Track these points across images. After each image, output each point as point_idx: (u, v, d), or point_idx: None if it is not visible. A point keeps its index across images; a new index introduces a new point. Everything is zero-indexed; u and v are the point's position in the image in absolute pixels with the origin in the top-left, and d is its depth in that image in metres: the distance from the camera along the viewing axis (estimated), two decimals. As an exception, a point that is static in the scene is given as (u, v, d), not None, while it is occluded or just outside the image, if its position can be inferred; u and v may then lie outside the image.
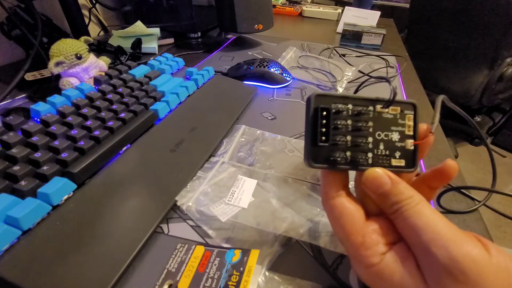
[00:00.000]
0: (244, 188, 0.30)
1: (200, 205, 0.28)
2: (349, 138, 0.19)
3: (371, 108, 0.20)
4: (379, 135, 0.20)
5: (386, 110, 0.20)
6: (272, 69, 0.51)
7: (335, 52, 0.68)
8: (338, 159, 0.19)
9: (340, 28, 0.85)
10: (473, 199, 0.31)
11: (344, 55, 0.66)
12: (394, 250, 0.18)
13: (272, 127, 0.41)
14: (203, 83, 0.46)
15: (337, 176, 0.20)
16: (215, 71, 0.51)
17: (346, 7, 0.91)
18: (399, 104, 0.20)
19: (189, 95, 0.42)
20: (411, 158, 0.20)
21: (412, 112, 0.20)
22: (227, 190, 0.30)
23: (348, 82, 0.54)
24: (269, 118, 0.43)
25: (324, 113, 0.19)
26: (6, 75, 0.50)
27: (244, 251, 0.23)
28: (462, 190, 0.32)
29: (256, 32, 0.67)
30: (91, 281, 0.20)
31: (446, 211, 0.30)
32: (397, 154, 0.20)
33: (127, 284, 0.22)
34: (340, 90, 0.51)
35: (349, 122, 0.20)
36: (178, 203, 0.28)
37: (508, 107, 1.54)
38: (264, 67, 0.50)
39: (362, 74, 0.56)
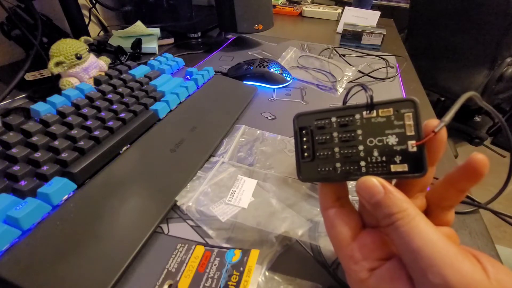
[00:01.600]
0: (244, 188, 0.30)
1: (200, 205, 0.28)
2: (336, 149, 0.19)
3: (357, 116, 0.19)
4: (371, 141, 0.19)
5: (373, 114, 0.19)
6: (272, 69, 0.51)
7: (335, 52, 0.68)
8: (325, 172, 0.20)
9: (340, 28, 0.85)
10: (473, 200, 0.31)
11: (344, 55, 0.66)
12: (385, 267, 0.17)
13: (272, 127, 0.41)
14: (203, 83, 0.46)
15: (331, 187, 0.20)
16: (215, 71, 0.51)
17: (346, 7, 0.91)
18: (391, 105, 0.18)
19: (189, 95, 0.42)
20: (417, 161, 0.18)
21: (412, 110, 0.18)
22: (227, 190, 0.30)
23: (348, 82, 0.54)
24: (269, 118, 0.43)
25: (304, 131, 0.20)
26: (6, 75, 0.50)
27: (244, 251, 0.23)
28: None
29: (256, 32, 0.67)
30: (91, 281, 0.20)
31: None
32: (397, 158, 0.18)
33: (127, 284, 0.22)
34: (340, 90, 0.51)
35: (335, 134, 0.20)
36: (178, 203, 0.28)
37: (508, 107, 1.54)
38: (264, 67, 0.50)
39: (362, 74, 0.56)
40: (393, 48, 0.76)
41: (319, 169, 0.20)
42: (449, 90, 1.33)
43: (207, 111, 0.40)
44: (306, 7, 1.06)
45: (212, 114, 0.40)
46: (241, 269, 0.22)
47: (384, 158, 0.18)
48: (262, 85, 0.51)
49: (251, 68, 0.50)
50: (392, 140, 0.18)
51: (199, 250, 0.24)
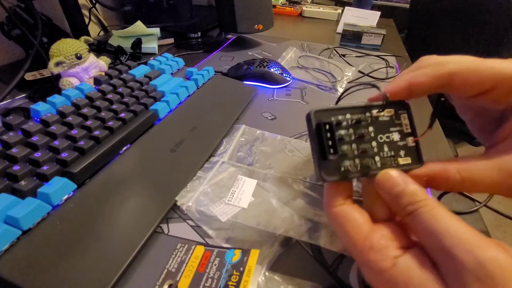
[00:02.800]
0: (244, 188, 0.30)
1: (200, 205, 0.28)
2: (354, 146, 0.20)
3: (368, 114, 0.20)
4: (381, 138, 0.20)
5: (382, 113, 0.20)
6: (272, 69, 0.51)
7: (335, 52, 0.68)
8: (350, 168, 0.20)
9: (340, 28, 0.85)
10: (473, 200, 0.31)
11: (344, 55, 0.66)
12: (410, 254, 0.16)
13: (272, 127, 0.41)
14: (203, 83, 0.46)
15: (340, 186, 0.20)
16: (215, 71, 0.51)
17: (346, 7, 0.91)
18: (392, 106, 0.21)
19: (189, 95, 0.42)
20: (416, 154, 0.20)
21: (405, 111, 0.21)
22: (227, 190, 0.30)
23: (348, 82, 0.54)
24: (269, 118, 0.43)
25: (327, 126, 0.20)
26: (6, 75, 0.50)
27: (244, 251, 0.23)
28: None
29: (256, 32, 0.67)
30: (91, 281, 0.20)
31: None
32: (402, 152, 0.20)
33: (127, 284, 0.22)
34: (340, 90, 0.51)
35: (351, 131, 0.20)
36: (178, 203, 0.28)
37: (508, 107, 1.54)
38: (264, 67, 0.50)
39: (362, 74, 0.56)
40: (393, 48, 0.76)
41: (341, 166, 0.20)
42: (449, 90, 1.33)
43: (207, 111, 0.40)
44: (306, 7, 1.06)
45: (212, 114, 0.40)
46: (241, 269, 0.22)
47: (392, 153, 0.20)
48: (262, 85, 0.51)
49: (251, 68, 0.50)
50: (396, 136, 0.20)
51: (199, 250, 0.24)
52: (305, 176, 0.32)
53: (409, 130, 0.21)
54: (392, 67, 0.63)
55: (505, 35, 1.08)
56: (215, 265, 0.22)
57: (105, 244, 0.23)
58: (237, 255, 0.23)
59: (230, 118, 0.40)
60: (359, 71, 0.57)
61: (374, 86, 0.21)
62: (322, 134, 0.20)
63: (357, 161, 0.20)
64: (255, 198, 0.29)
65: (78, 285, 0.20)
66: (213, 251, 0.24)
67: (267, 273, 0.22)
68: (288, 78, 0.52)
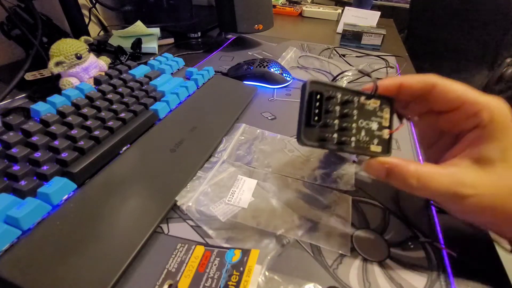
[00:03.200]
0: (244, 188, 0.30)
1: (200, 205, 0.28)
2: (337, 121, 0.22)
3: (356, 98, 0.23)
4: (361, 122, 0.23)
5: (368, 102, 0.23)
6: (272, 69, 0.51)
7: (335, 52, 0.68)
8: (327, 139, 0.22)
9: (340, 28, 0.85)
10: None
11: (344, 55, 0.66)
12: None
13: (272, 127, 0.41)
14: (203, 83, 0.46)
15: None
16: (215, 71, 0.51)
17: (346, 7, 0.91)
18: (379, 99, 0.23)
19: (189, 95, 0.42)
20: (387, 146, 0.23)
21: (389, 106, 0.23)
22: (227, 190, 0.30)
23: (348, 82, 0.54)
24: (269, 118, 0.43)
25: (318, 96, 0.22)
26: (6, 75, 0.50)
27: (244, 251, 0.23)
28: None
29: (256, 32, 0.67)
30: (91, 281, 0.20)
31: (444, 212, 0.30)
32: (376, 141, 0.23)
33: (127, 284, 0.22)
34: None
35: (338, 108, 0.22)
36: (178, 203, 0.28)
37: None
38: (264, 67, 0.50)
39: (362, 74, 0.56)
40: (393, 48, 0.76)
41: (320, 135, 0.22)
42: (449, 90, 1.33)
43: (207, 111, 0.40)
44: (306, 7, 1.06)
45: (212, 114, 0.40)
46: (241, 269, 0.22)
47: (367, 139, 0.23)
48: (262, 85, 0.51)
49: (251, 68, 0.50)
50: (374, 126, 0.23)
51: (199, 250, 0.24)
52: (303, 176, 0.32)
53: (387, 124, 0.23)
54: (392, 67, 0.63)
55: (505, 35, 1.08)
56: (215, 265, 0.22)
57: (105, 244, 0.23)
58: (237, 255, 0.23)
59: (230, 118, 0.40)
60: (359, 71, 0.57)
61: (367, 74, 0.24)
62: (312, 102, 0.22)
63: (335, 135, 0.22)
64: (255, 198, 0.29)
65: (78, 285, 0.20)
66: (213, 251, 0.24)
67: (267, 273, 0.22)
68: (288, 78, 0.52)
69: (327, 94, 0.22)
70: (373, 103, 0.23)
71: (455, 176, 0.20)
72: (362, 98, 0.23)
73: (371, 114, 0.23)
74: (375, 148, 0.23)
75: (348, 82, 0.54)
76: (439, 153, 0.26)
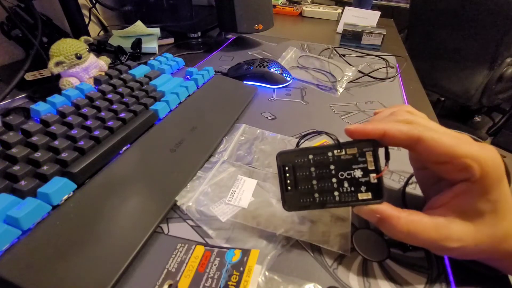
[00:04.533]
0: (244, 188, 0.30)
1: (200, 205, 0.28)
2: (314, 182, 0.23)
3: (330, 153, 0.22)
4: (341, 175, 0.22)
5: (342, 153, 0.22)
6: (272, 69, 0.51)
7: (335, 52, 0.68)
8: (306, 202, 0.23)
9: (340, 28, 0.85)
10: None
11: (344, 55, 0.66)
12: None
13: (272, 127, 0.41)
14: (203, 83, 0.46)
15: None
16: (215, 71, 0.51)
17: (346, 7, 0.91)
18: (356, 144, 0.22)
19: (189, 95, 0.42)
20: (378, 190, 0.22)
21: (371, 149, 0.22)
22: (227, 190, 0.30)
23: (348, 82, 0.54)
24: (269, 118, 0.43)
25: (286, 168, 0.23)
26: (6, 75, 0.50)
27: (244, 251, 0.23)
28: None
29: (256, 32, 0.67)
30: (91, 281, 0.20)
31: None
32: (363, 188, 0.22)
33: (127, 284, 0.22)
34: (340, 90, 0.51)
35: (312, 169, 0.23)
36: (178, 203, 0.28)
37: (508, 107, 1.54)
38: (264, 67, 0.50)
39: (362, 74, 0.56)
40: (393, 48, 0.76)
41: (301, 200, 0.23)
42: (449, 90, 1.33)
43: (207, 111, 0.40)
44: (306, 7, 1.06)
45: (212, 114, 0.40)
46: (241, 269, 0.22)
47: (353, 188, 0.22)
48: (262, 85, 0.51)
49: (251, 68, 0.50)
50: (358, 173, 0.22)
51: (199, 250, 0.24)
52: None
53: (373, 167, 0.22)
54: (392, 67, 0.63)
55: (505, 35, 1.08)
56: (215, 265, 0.22)
57: (105, 244, 0.23)
58: (237, 255, 0.23)
59: (230, 118, 0.40)
60: (359, 71, 0.57)
61: (328, 134, 0.24)
62: (283, 174, 0.23)
63: (316, 195, 0.23)
64: (255, 198, 0.29)
65: (78, 285, 0.20)
66: (213, 251, 0.24)
67: (267, 273, 0.22)
68: (288, 78, 0.52)
69: (297, 161, 0.23)
70: (349, 152, 0.22)
71: (442, 229, 0.20)
72: (336, 151, 0.22)
73: (351, 162, 0.22)
74: (364, 195, 0.22)
75: (348, 82, 0.54)
76: (429, 178, 0.26)
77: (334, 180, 0.22)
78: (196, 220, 0.27)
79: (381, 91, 0.52)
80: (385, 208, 0.22)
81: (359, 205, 0.22)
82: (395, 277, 0.23)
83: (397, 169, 0.33)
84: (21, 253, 0.21)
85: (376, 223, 0.22)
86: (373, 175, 0.22)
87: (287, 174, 0.23)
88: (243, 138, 0.37)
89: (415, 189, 0.31)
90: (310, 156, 0.23)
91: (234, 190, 0.30)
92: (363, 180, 0.22)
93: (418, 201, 0.29)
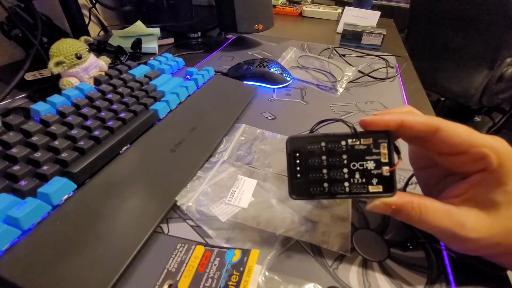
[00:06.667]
0: (244, 188, 0.30)
1: (200, 205, 0.28)
2: (325, 171, 0.22)
3: (343, 142, 0.22)
4: (353, 165, 0.22)
5: (357, 142, 0.21)
6: (272, 69, 0.51)
7: (335, 52, 0.68)
8: (315, 191, 0.22)
9: (340, 28, 0.85)
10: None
11: (344, 55, 0.66)
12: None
13: (272, 127, 0.41)
14: (203, 83, 0.46)
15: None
16: (215, 71, 0.51)
17: (346, 7, 0.91)
18: (371, 135, 0.21)
19: (189, 95, 0.42)
20: (389, 183, 0.21)
21: (386, 141, 0.21)
22: (227, 190, 0.30)
23: (348, 82, 0.54)
24: (269, 118, 0.43)
25: (297, 154, 0.22)
26: (6, 75, 0.50)
27: (244, 251, 0.23)
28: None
29: (256, 32, 0.67)
30: (91, 281, 0.20)
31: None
32: (374, 180, 0.21)
33: (127, 284, 0.22)
34: (340, 90, 0.51)
35: (324, 157, 0.22)
36: (178, 203, 0.28)
37: (508, 107, 1.54)
38: (264, 67, 0.50)
39: (362, 74, 0.56)
40: (393, 48, 0.76)
41: (310, 189, 0.22)
42: (449, 90, 1.33)
43: (207, 111, 0.40)
44: (306, 7, 1.06)
45: (212, 114, 0.40)
46: (241, 269, 0.22)
47: (364, 180, 0.21)
48: (262, 85, 0.51)
49: (251, 68, 0.50)
50: (370, 165, 0.21)
51: (199, 250, 0.24)
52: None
53: (386, 160, 0.21)
54: (392, 67, 0.63)
55: (505, 35, 1.08)
56: (215, 265, 0.22)
57: (105, 244, 0.23)
58: (237, 255, 0.23)
59: (230, 118, 0.40)
60: (359, 71, 0.57)
61: (345, 122, 0.23)
62: (293, 160, 0.22)
63: (325, 184, 0.22)
64: (255, 198, 0.29)
65: (78, 285, 0.20)
66: (213, 251, 0.24)
67: (267, 273, 0.22)
68: (288, 78, 0.52)
69: (308, 148, 0.22)
70: (364, 142, 0.21)
71: (455, 216, 0.20)
72: (350, 140, 0.22)
73: (364, 153, 0.21)
74: (375, 188, 0.21)
75: (348, 82, 0.54)
76: (431, 178, 0.25)
77: (345, 170, 0.22)
78: (196, 220, 0.27)
79: (381, 91, 0.52)
80: (399, 198, 0.21)
81: (368, 198, 0.22)
82: (395, 277, 0.23)
83: (397, 169, 0.33)
84: (21, 253, 0.21)
85: (391, 214, 0.22)
86: (386, 168, 0.21)
87: (297, 161, 0.22)
88: (243, 138, 0.37)
89: (415, 189, 0.31)
90: (323, 144, 0.22)
91: (234, 190, 0.30)
92: (375, 172, 0.21)
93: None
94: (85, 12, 0.70)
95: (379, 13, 0.87)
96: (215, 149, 0.35)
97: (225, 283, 0.21)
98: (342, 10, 0.95)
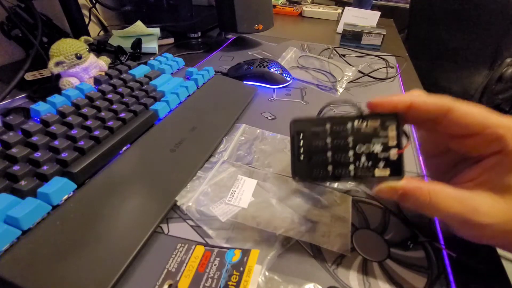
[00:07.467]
0: (244, 188, 0.30)
1: (200, 205, 0.28)
2: (329, 154, 0.21)
3: (349, 124, 0.21)
4: (359, 148, 0.21)
5: (364, 125, 0.21)
6: (272, 69, 0.51)
7: (335, 52, 0.68)
8: (318, 174, 0.22)
9: (340, 28, 0.85)
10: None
11: (344, 55, 0.66)
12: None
13: (272, 127, 0.41)
14: (203, 83, 0.46)
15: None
16: (215, 71, 0.51)
17: (346, 7, 0.91)
18: (379, 117, 0.21)
19: (189, 95, 0.42)
20: (397, 166, 0.21)
21: (395, 123, 0.21)
22: (227, 190, 0.30)
23: (348, 82, 0.54)
24: (269, 118, 0.43)
25: (301, 136, 0.22)
26: (6, 75, 0.50)
27: (244, 251, 0.23)
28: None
29: (256, 32, 0.67)
30: (91, 281, 0.20)
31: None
32: (381, 164, 0.21)
33: (127, 284, 0.22)
34: (340, 90, 0.51)
35: (329, 140, 0.21)
36: (178, 203, 0.28)
37: (508, 107, 1.54)
38: (264, 67, 0.50)
39: (362, 74, 0.56)
40: (393, 48, 0.76)
41: (313, 171, 0.22)
42: (449, 90, 1.33)
43: (207, 111, 0.40)
44: (306, 7, 1.06)
45: (212, 114, 0.40)
46: (241, 269, 0.22)
47: (370, 163, 0.21)
48: (262, 85, 0.51)
49: (251, 68, 0.50)
50: (377, 148, 0.21)
51: (199, 250, 0.24)
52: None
53: (394, 143, 0.20)
54: (392, 67, 0.63)
55: (505, 35, 1.08)
56: (215, 265, 0.22)
57: (105, 244, 0.23)
58: (237, 255, 0.23)
59: (230, 118, 0.40)
60: (359, 71, 0.57)
61: (353, 104, 0.22)
62: (296, 142, 0.22)
63: (329, 167, 0.21)
64: (255, 198, 0.29)
65: (78, 285, 0.20)
66: (213, 251, 0.24)
67: (267, 273, 0.22)
68: (288, 78, 0.52)
69: (313, 130, 0.21)
70: (371, 124, 0.21)
71: (467, 201, 0.19)
72: (357, 122, 0.21)
73: (371, 136, 0.21)
74: (381, 172, 0.21)
75: (348, 82, 0.54)
76: (442, 165, 0.24)
77: (350, 153, 0.21)
78: (196, 220, 0.27)
79: (381, 91, 0.52)
80: (407, 182, 0.20)
81: (374, 182, 0.21)
82: (395, 277, 0.23)
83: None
84: (21, 253, 0.21)
85: (398, 199, 0.21)
86: (394, 151, 0.20)
87: (301, 143, 0.22)
88: (243, 138, 0.37)
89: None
90: (328, 126, 0.21)
91: (234, 190, 0.30)
92: (382, 155, 0.21)
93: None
94: (85, 12, 0.70)
95: (379, 13, 0.87)
96: (215, 149, 0.35)
97: (225, 283, 0.21)
98: (342, 10, 0.95)
